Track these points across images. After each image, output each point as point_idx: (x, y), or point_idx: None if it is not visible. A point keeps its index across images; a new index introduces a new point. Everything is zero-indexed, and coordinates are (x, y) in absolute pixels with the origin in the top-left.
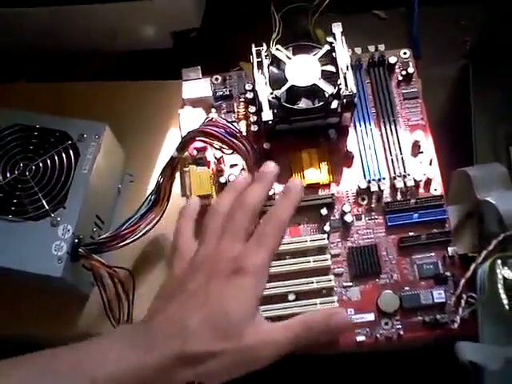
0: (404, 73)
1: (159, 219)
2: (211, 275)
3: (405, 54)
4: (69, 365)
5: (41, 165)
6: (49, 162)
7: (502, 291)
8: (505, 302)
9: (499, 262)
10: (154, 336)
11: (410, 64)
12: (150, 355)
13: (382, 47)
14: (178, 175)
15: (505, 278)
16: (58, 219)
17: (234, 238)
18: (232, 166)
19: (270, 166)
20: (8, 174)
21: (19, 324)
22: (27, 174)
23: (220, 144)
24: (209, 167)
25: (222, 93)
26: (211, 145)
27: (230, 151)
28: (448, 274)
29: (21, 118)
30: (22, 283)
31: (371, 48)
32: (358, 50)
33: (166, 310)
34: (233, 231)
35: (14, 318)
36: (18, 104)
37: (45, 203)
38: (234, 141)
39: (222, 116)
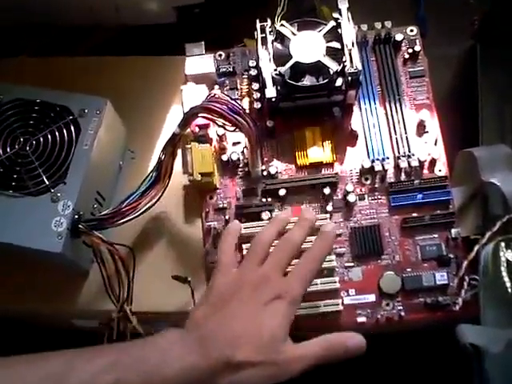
0: (410, 51)
1: (160, 196)
2: (256, 296)
3: (411, 31)
4: (137, 361)
5: (41, 140)
6: (49, 136)
7: (505, 274)
8: (508, 284)
9: (503, 244)
10: (208, 342)
11: (417, 42)
12: (206, 359)
13: (388, 24)
14: (179, 152)
15: (508, 261)
16: (59, 195)
17: (276, 267)
18: (234, 143)
19: (310, 214)
20: (8, 149)
21: (20, 299)
22: (27, 148)
23: (223, 121)
24: (211, 145)
25: (225, 69)
26: (214, 121)
27: (233, 128)
28: (451, 255)
29: (22, 93)
30: (22, 258)
31: (377, 25)
32: (364, 27)
33: (216, 319)
34: (276, 261)
35: (14, 292)
36: (19, 78)
37: (45, 179)
38: (237, 118)
39: (225, 93)
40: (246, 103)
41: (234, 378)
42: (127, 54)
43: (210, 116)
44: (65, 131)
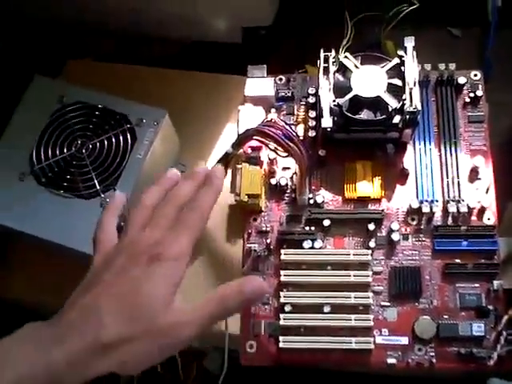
0: (472, 95)
1: None
2: (129, 263)
3: (475, 75)
4: None
5: (98, 144)
6: (106, 142)
7: None
8: None
9: None
10: (63, 330)
11: (480, 87)
12: (59, 350)
13: (452, 66)
14: (229, 171)
15: None
16: (108, 200)
17: (156, 228)
18: (284, 168)
19: (203, 168)
20: (65, 150)
21: (56, 295)
22: (83, 151)
23: (276, 146)
24: (261, 167)
25: (284, 94)
26: (267, 145)
27: (285, 154)
28: (490, 307)
29: (84, 96)
30: (63, 257)
31: (441, 66)
32: (428, 67)
33: (78, 303)
34: (156, 222)
35: (52, 289)
36: (82, 81)
37: (96, 183)
38: (290, 144)
39: (281, 117)
40: (300, 130)
41: (111, 361)
42: (188, 69)
43: (263, 139)
44: (121, 138)
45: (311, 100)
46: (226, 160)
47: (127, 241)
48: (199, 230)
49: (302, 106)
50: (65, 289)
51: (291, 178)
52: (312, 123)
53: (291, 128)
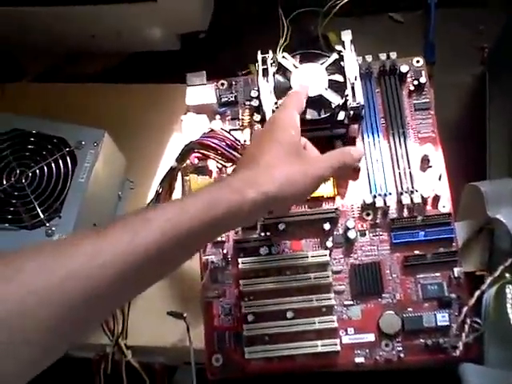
0: (416, 82)
1: None
2: None
3: (417, 62)
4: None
5: (37, 172)
6: (45, 169)
7: (510, 311)
8: None
9: (510, 285)
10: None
11: (423, 73)
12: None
13: (393, 55)
14: (180, 183)
15: None
16: (53, 229)
17: None
18: None
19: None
20: (4, 181)
21: None
22: (23, 181)
23: (219, 157)
24: (210, 176)
25: (227, 99)
26: (209, 157)
27: (230, 164)
28: (453, 295)
29: (19, 123)
30: None
31: (382, 56)
32: (369, 58)
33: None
34: None
35: None
36: (19, 104)
37: (40, 212)
38: (234, 153)
39: (227, 123)
40: (247, 134)
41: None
42: (130, 81)
43: (205, 152)
44: (61, 163)
45: (254, 103)
46: (172, 175)
47: None
48: None
49: (247, 110)
50: None
51: None
52: (258, 127)
53: (233, 136)
